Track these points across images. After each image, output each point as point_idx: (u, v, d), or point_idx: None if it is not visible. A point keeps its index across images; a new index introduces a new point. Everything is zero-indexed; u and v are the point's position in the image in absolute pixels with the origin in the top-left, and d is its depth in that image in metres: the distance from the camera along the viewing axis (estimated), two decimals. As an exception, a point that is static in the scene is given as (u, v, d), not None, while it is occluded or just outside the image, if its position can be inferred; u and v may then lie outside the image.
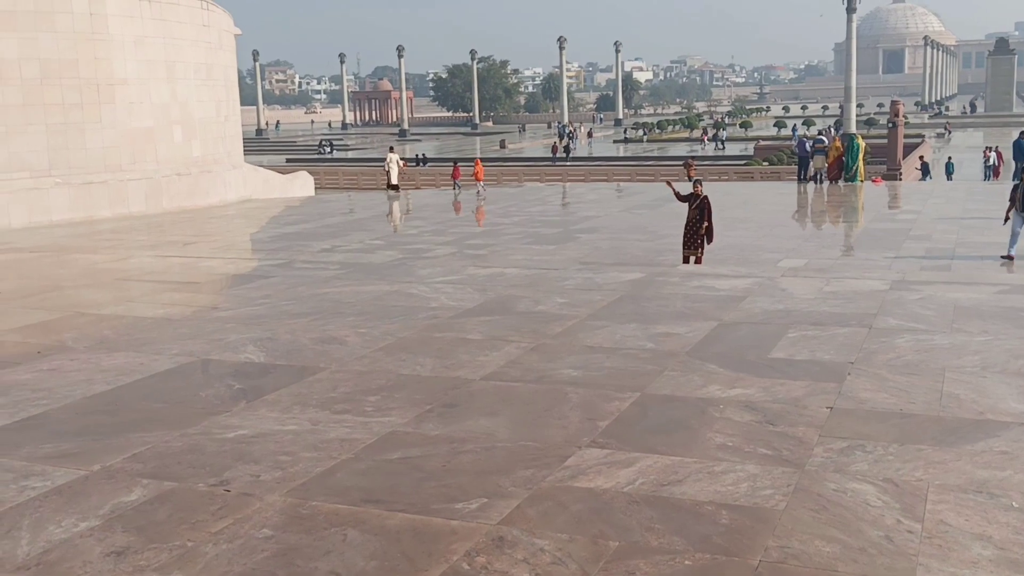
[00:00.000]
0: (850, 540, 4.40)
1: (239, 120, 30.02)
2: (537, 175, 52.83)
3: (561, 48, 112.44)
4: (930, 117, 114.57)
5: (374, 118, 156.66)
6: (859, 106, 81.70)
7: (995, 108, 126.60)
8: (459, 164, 37.12)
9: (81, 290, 12.21)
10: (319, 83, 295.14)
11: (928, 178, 44.93)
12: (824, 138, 34.43)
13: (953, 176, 46.33)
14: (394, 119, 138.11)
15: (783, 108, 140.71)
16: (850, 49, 65.87)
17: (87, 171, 22.50)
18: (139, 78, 23.61)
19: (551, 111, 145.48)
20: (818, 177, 31.65)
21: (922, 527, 4.53)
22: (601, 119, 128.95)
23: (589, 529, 4.61)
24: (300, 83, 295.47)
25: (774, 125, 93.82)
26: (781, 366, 7.29)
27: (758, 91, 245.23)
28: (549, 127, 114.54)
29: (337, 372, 7.54)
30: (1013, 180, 24.58)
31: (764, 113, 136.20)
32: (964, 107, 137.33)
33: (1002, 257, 15.26)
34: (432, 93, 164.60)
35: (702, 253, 15.51)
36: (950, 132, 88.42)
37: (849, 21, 65.81)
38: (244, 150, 30.90)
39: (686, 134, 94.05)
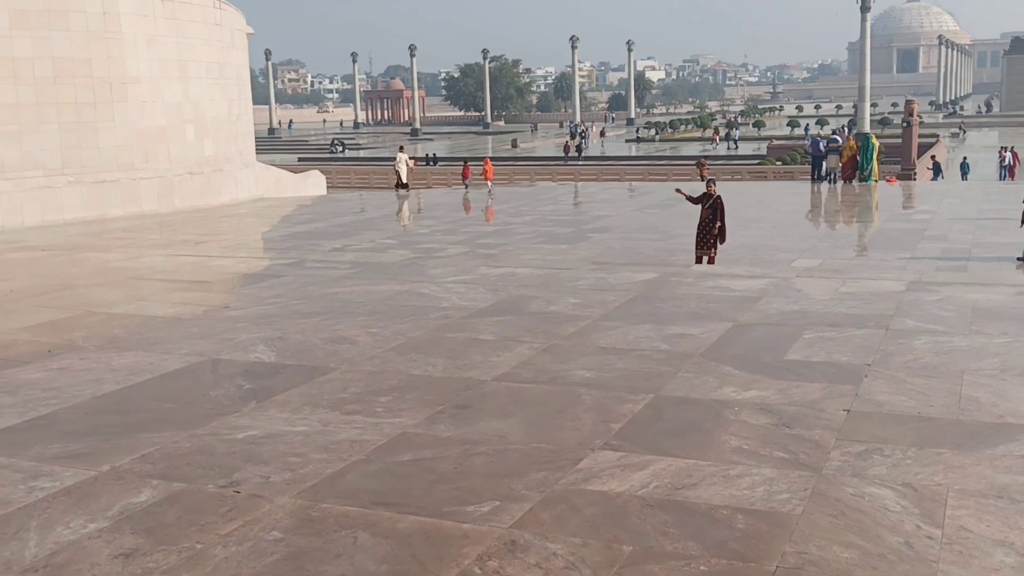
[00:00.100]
0: (869, 546, 4.32)
1: (251, 119, 30.03)
2: (549, 174, 52.75)
3: (573, 47, 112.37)
4: (944, 117, 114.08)
5: (386, 117, 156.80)
6: (873, 105, 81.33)
7: (1011, 107, 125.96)
8: (469, 163, 37.20)
9: (92, 289, 12.20)
10: (331, 82, 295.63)
11: (940, 178, 44.67)
12: (838, 138, 34.24)
13: (968, 176, 46.06)
14: (406, 118, 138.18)
15: (796, 107, 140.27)
16: (864, 48, 65.59)
17: (100, 170, 22.53)
18: (152, 77, 23.62)
19: (563, 110, 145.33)
20: (832, 177, 31.47)
21: (942, 533, 4.44)
22: (613, 118, 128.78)
23: (603, 533, 4.53)
24: (312, 82, 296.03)
25: (787, 124, 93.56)
26: (797, 368, 7.21)
27: (771, 90, 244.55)
28: (561, 126, 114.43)
29: (348, 372, 7.49)
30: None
31: (777, 112, 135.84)
32: (979, 106, 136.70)
33: (1018, 259, 15.10)
34: (444, 92, 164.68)
35: (715, 253, 15.42)
36: (965, 132, 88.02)
37: (863, 20, 65.56)
38: (256, 149, 30.91)
39: (698, 133, 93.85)
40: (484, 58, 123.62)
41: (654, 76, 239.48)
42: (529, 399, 6.70)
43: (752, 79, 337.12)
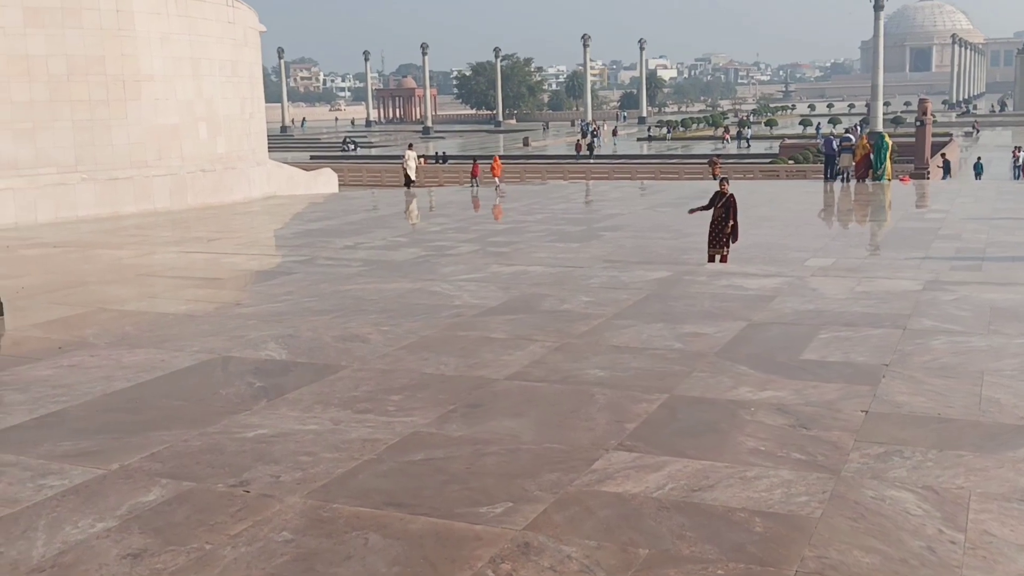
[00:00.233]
0: (890, 550, 4.23)
1: (264, 117, 30.03)
2: (560, 173, 52.62)
3: (585, 46, 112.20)
4: (958, 116, 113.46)
5: (398, 115, 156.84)
6: (886, 104, 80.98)
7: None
8: (478, 161, 37.29)
9: (105, 286, 12.18)
10: (343, 80, 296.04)
11: (948, 176, 44.38)
12: (851, 136, 34.08)
13: (982, 176, 45.75)
14: (418, 116, 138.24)
15: (809, 106, 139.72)
16: (877, 47, 65.30)
17: (113, 167, 22.55)
18: (165, 75, 23.64)
19: (575, 109, 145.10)
20: (845, 175, 31.31)
21: (965, 537, 4.35)
22: (625, 117, 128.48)
23: (618, 536, 4.46)
24: (325, 80, 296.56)
25: (800, 123, 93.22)
26: (813, 368, 7.11)
27: (783, 89, 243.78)
28: (572, 125, 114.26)
29: (359, 371, 7.43)
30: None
31: (790, 111, 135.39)
32: (992, 105, 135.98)
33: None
34: (456, 91, 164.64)
35: (728, 252, 15.33)
36: (978, 131, 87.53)
37: (877, 19, 65.26)
38: (269, 147, 30.92)
39: (710, 132, 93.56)
40: (496, 56, 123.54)
41: (666, 75, 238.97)
42: (542, 398, 6.62)
43: (764, 78, 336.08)
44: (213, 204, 24.65)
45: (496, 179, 33.35)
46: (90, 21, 21.93)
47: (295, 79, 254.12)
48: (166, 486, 5.20)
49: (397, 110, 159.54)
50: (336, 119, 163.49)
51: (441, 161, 60.42)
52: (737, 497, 4.83)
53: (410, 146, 37.70)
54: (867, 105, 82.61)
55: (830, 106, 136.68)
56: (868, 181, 30.97)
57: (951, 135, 68.70)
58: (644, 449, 5.56)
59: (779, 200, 26.95)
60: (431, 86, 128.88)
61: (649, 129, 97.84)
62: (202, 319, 9.65)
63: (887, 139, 33.49)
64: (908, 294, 9.74)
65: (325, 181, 33.99)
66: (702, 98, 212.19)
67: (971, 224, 19.85)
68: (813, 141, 64.41)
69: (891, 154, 32.93)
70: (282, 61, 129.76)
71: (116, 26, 22.37)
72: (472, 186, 34.66)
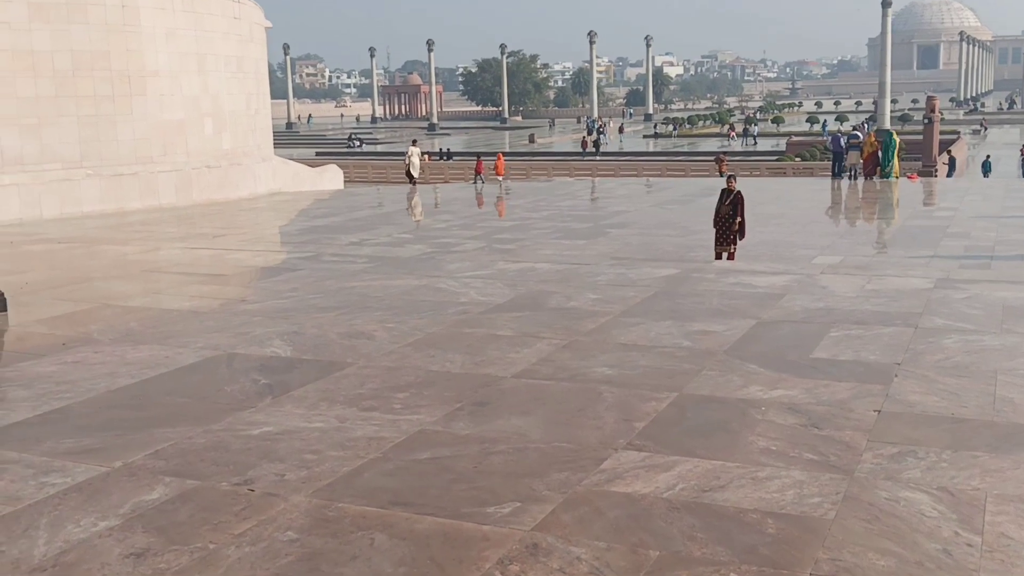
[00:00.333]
0: (906, 553, 4.15)
1: (269, 113, 29.96)
2: (566, 170, 52.55)
3: (591, 42, 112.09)
4: (965, 113, 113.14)
5: (403, 112, 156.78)
6: (893, 102, 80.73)
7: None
8: (482, 158, 37.30)
9: (109, 281, 12.13)
10: (349, 77, 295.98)
11: (952, 174, 44.17)
12: (859, 134, 33.94)
13: (990, 174, 45.56)
14: (423, 113, 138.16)
15: (815, 104, 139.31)
16: (885, 44, 65.11)
17: (118, 163, 22.49)
18: (170, 70, 23.57)
19: (580, 106, 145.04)
20: (853, 173, 31.18)
21: (982, 540, 4.27)
22: (631, 114, 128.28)
23: (628, 537, 4.38)
24: (330, 77, 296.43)
25: (806, 121, 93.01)
26: (824, 366, 7.03)
27: (790, 86, 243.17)
28: (578, 122, 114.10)
29: (365, 368, 7.36)
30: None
31: (796, 109, 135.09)
32: (1000, 103, 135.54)
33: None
34: (461, 87, 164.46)
35: (735, 249, 15.24)
36: (986, 129, 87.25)
37: (884, 16, 65.06)
38: (274, 143, 30.85)
39: (717, 129, 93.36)
40: (502, 53, 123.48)
41: (672, 72, 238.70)
42: (549, 396, 6.55)
43: (771, 75, 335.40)
44: (218, 200, 24.59)
45: (499, 176, 33.26)
46: (95, 16, 21.87)
47: (301, 75, 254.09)
48: (170, 484, 5.14)
49: (403, 107, 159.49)
50: (341, 116, 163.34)
51: (446, 158, 60.35)
52: (749, 498, 4.76)
53: (414, 142, 37.60)
54: (874, 102, 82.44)
55: (837, 103, 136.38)
56: (876, 179, 30.83)
57: (959, 133, 68.43)
58: (653, 448, 5.48)
59: (786, 198, 26.83)
60: (437, 83, 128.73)
61: (655, 126, 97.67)
62: (207, 315, 9.59)
63: (895, 137, 33.33)
64: (919, 292, 9.65)
65: (330, 177, 33.91)
66: (708, 95, 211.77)
67: (980, 222, 19.73)
68: (820, 138, 64.19)
69: (899, 152, 32.77)
70: (288, 57, 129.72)
71: (121, 21, 22.31)
72: (476, 183, 34.63)
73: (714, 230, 15.32)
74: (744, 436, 5.64)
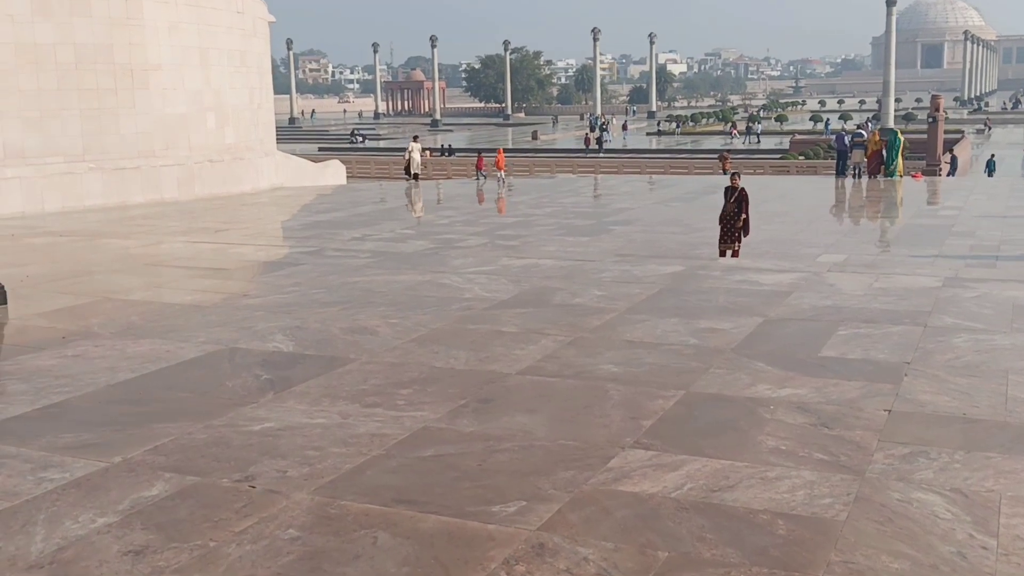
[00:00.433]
0: (920, 556, 4.07)
1: (272, 108, 29.86)
2: (569, 166, 52.47)
3: (595, 39, 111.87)
4: (969, 113, 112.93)
5: (407, 108, 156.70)
6: (897, 101, 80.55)
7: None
8: (483, 155, 37.35)
9: (111, 275, 12.05)
10: (352, 72, 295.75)
11: (953, 174, 43.98)
12: (863, 132, 33.82)
13: (995, 173, 45.41)
14: (426, 109, 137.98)
15: (819, 102, 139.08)
16: (889, 43, 64.97)
17: (120, 157, 22.42)
18: (173, 64, 23.49)
19: (584, 103, 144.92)
20: (857, 171, 31.09)
21: (997, 543, 4.18)
22: (634, 111, 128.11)
23: (636, 537, 4.30)
24: (333, 72, 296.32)
25: (810, 119, 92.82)
26: (833, 365, 6.94)
27: (794, 85, 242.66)
28: (581, 119, 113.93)
29: (368, 364, 7.28)
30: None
31: (800, 107, 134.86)
32: (1004, 103, 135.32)
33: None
34: (465, 84, 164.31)
35: (739, 246, 15.18)
36: (990, 128, 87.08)
37: (888, 15, 64.91)
38: (277, 138, 30.76)
39: (720, 127, 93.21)
40: (505, 49, 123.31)
41: (676, 69, 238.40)
42: (555, 394, 6.47)
43: (774, 73, 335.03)
44: (221, 195, 24.52)
45: (500, 172, 33.20)
46: (98, 10, 21.78)
47: (304, 71, 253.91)
48: (170, 480, 5.06)
49: (406, 102, 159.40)
50: (344, 111, 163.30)
51: (447, 154, 60.26)
52: (758, 498, 4.67)
53: (415, 138, 37.48)
54: (878, 101, 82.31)
55: (841, 102, 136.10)
56: (880, 177, 30.74)
57: (963, 132, 68.28)
58: (661, 447, 5.40)
59: (790, 196, 26.75)
60: (440, 79, 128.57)
61: (658, 124, 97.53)
62: (209, 310, 9.51)
63: (900, 136, 33.24)
64: (928, 291, 9.56)
65: (333, 173, 33.83)
66: (712, 93, 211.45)
67: (985, 221, 19.64)
68: (823, 137, 64.07)
69: (903, 151, 32.67)
70: (291, 52, 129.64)
71: (124, 15, 22.22)
72: (478, 179, 34.60)
73: (719, 227, 15.25)
74: (753, 435, 5.55)
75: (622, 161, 55.83)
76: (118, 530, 4.47)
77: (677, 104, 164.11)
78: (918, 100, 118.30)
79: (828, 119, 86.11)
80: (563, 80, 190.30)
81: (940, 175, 41.13)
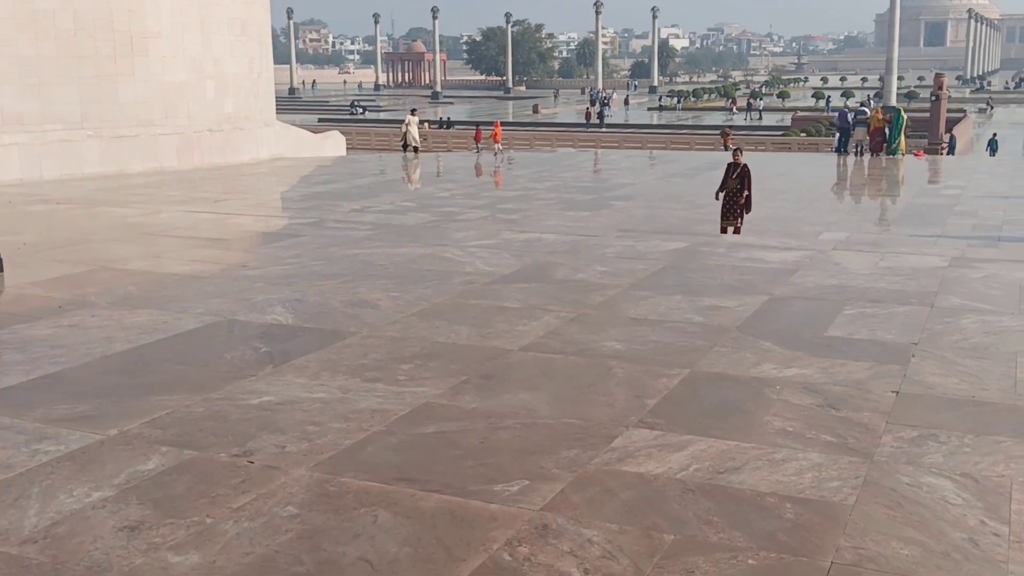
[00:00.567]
0: (931, 542, 3.99)
1: (272, 77, 29.57)
2: (570, 140, 52.14)
3: (597, 13, 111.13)
4: (972, 92, 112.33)
5: (407, 80, 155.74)
6: (899, 79, 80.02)
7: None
8: (481, 127, 37.13)
9: (108, 244, 11.94)
10: (353, 43, 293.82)
11: (951, 154, 43.69)
12: (866, 109, 33.61)
13: (997, 152, 45.14)
14: (427, 81, 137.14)
15: (821, 79, 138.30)
16: (893, 20, 64.53)
17: (119, 125, 22.21)
18: (173, 32, 23.22)
19: (585, 77, 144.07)
20: (859, 149, 30.89)
21: (1009, 530, 4.11)
22: (636, 86, 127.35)
23: (641, 520, 4.22)
24: (334, 43, 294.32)
25: (812, 96, 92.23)
26: (840, 345, 6.85)
27: (796, 61, 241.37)
28: (583, 93, 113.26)
29: (368, 337, 7.18)
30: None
31: (802, 84, 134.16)
32: (1007, 82, 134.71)
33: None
34: (466, 56, 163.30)
35: (741, 223, 15.04)
36: (992, 107, 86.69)
37: (894, -9, 64.27)
38: (277, 109, 30.48)
39: (722, 103, 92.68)
40: (507, 22, 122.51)
41: (678, 44, 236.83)
42: (557, 371, 6.38)
43: (777, 49, 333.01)
44: (220, 164, 24.33)
45: (497, 144, 33.00)
46: (98, -25, 21.49)
47: (304, 41, 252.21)
48: (166, 454, 4.97)
49: (406, 74, 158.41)
50: (344, 82, 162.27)
51: (446, 126, 59.93)
52: (765, 481, 4.59)
53: (412, 111, 37.15)
54: (880, 79, 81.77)
55: (843, 79, 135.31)
56: (882, 155, 30.55)
57: (965, 111, 67.92)
58: (666, 427, 5.32)
59: (792, 173, 26.57)
60: (441, 51, 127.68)
61: (660, 99, 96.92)
62: (207, 280, 9.40)
63: (903, 114, 33.01)
64: (934, 270, 9.46)
65: (333, 144, 33.58)
66: (714, 68, 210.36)
67: (987, 201, 19.51)
68: (825, 114, 63.71)
69: (905, 129, 32.46)
70: (291, 22, 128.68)
71: (124, -20, 21.94)
72: (477, 152, 34.44)
73: (720, 203, 15.11)
74: (759, 416, 5.47)
75: (623, 136, 55.51)
76: (113, 505, 4.39)
77: (679, 79, 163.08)
78: (920, 78, 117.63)
79: (830, 96, 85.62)
80: (565, 54, 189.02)
81: (943, 154, 40.91)
